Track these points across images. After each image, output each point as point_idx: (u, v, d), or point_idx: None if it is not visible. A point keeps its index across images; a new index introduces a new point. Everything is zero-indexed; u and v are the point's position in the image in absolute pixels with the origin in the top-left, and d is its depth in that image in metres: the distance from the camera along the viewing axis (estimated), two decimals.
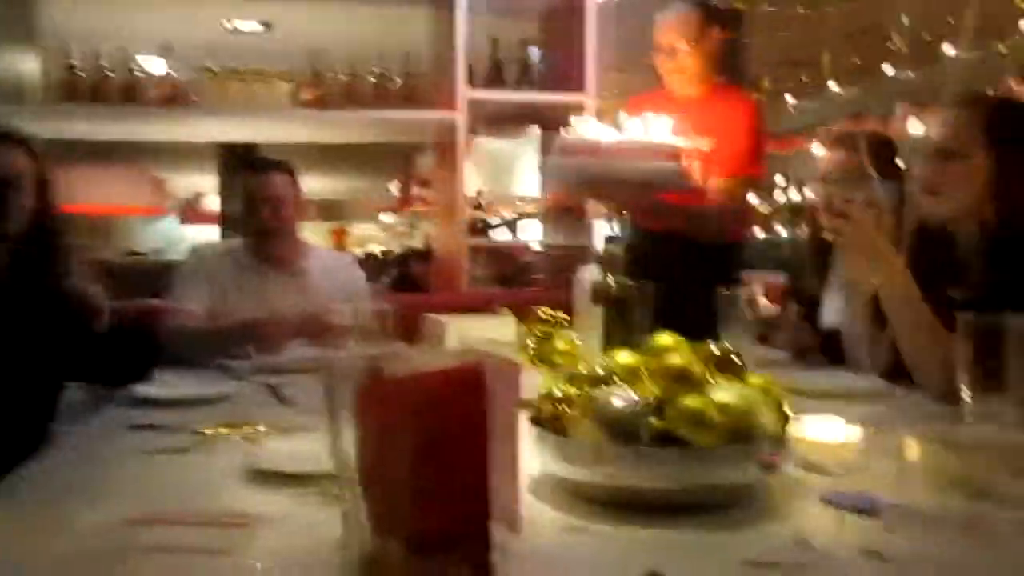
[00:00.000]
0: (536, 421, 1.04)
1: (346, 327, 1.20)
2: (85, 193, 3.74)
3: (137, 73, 3.09)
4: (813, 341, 2.04)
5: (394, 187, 10.55)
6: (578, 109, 3.06)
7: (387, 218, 12.93)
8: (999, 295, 1.33)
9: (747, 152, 2.54)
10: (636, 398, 0.98)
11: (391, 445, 0.72)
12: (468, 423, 0.73)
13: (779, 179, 11.00)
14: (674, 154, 2.09)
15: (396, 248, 11.30)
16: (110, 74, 3.03)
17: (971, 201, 1.53)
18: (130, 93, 3.06)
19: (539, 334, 1.56)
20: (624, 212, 2.32)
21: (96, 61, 3.01)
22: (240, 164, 4.16)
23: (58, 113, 3.08)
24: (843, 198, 1.54)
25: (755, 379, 1.05)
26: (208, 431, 1.42)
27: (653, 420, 0.96)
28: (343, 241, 10.61)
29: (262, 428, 1.42)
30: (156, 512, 1.02)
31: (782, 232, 11.21)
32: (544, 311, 1.60)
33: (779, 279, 3.52)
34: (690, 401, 0.94)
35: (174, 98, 3.12)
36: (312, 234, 2.53)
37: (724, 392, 0.98)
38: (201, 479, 1.20)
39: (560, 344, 1.51)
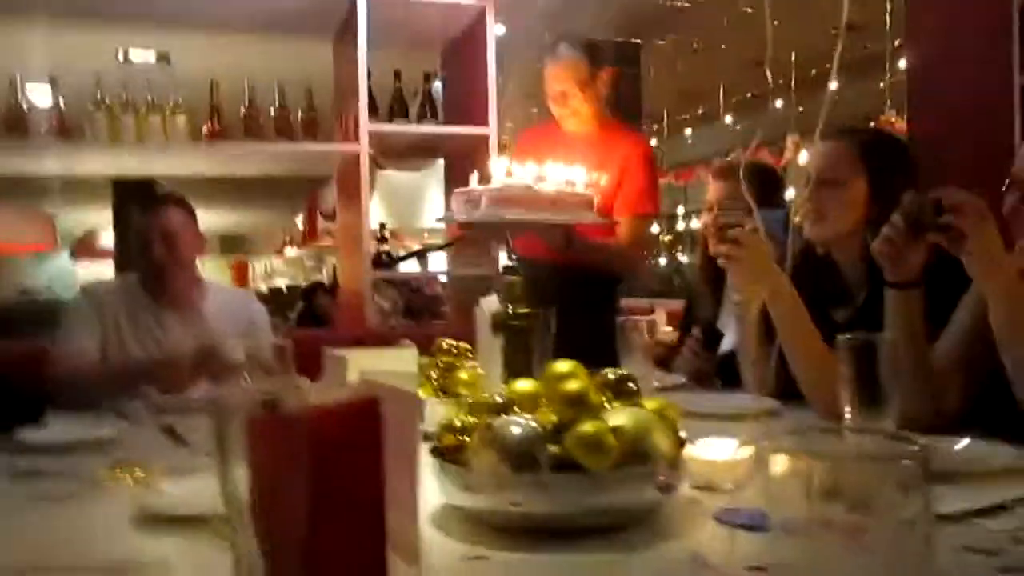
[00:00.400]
0: (437, 452, 1.04)
1: (242, 363, 1.18)
2: None
3: (24, 104, 2.97)
4: (709, 365, 2.11)
5: (299, 220, 10.40)
6: (482, 141, 3.10)
7: (292, 252, 12.72)
8: (876, 314, 1.41)
9: (642, 190, 2.64)
10: (534, 425, 0.99)
11: (284, 481, 0.71)
12: (363, 456, 0.72)
13: (680, 209, 11.34)
14: (583, 200, 2.13)
15: (302, 282, 11.12)
16: None
17: (849, 225, 1.62)
18: (17, 125, 2.94)
19: (442, 365, 1.57)
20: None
21: None
22: (135, 198, 4.04)
23: None
24: (728, 224, 1.60)
25: (651, 403, 1.08)
26: (98, 476, 1.37)
27: (551, 446, 0.97)
28: (245, 275, 10.37)
29: (154, 471, 1.37)
30: (42, 561, 0.98)
31: (683, 259, 11.54)
32: (447, 342, 1.61)
33: (679, 305, 3.62)
34: (586, 426, 0.96)
35: (65, 131, 3.01)
36: (213, 269, 2.47)
37: (619, 416, 1.00)
38: (90, 526, 1.15)
39: (463, 375, 1.52)
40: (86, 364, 2.25)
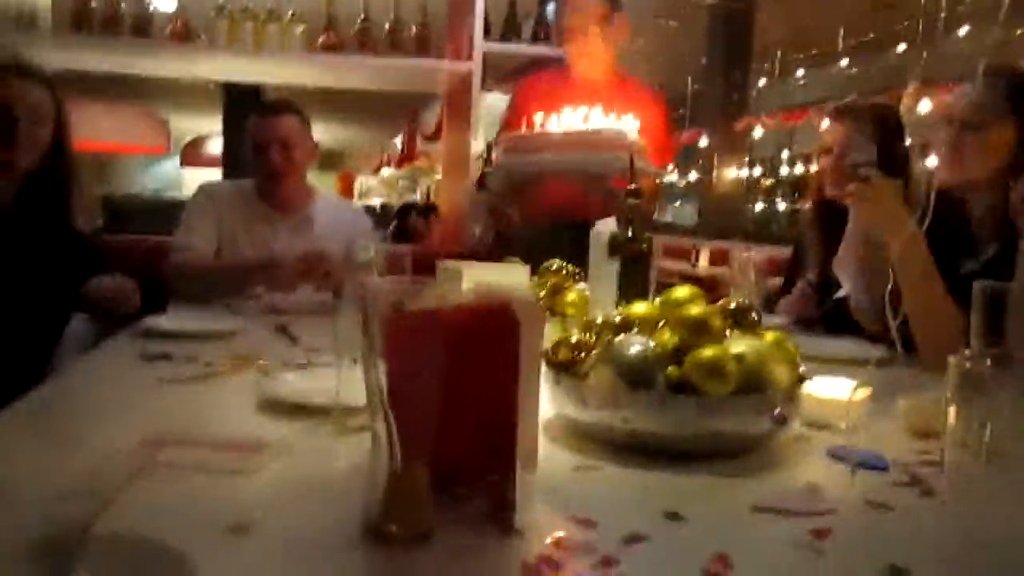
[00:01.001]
0: (551, 364, 1.05)
1: (361, 265, 1.21)
2: (89, 128, 3.70)
3: (149, 6, 3.05)
4: (817, 311, 2.06)
5: (398, 141, 10.49)
6: None
7: (388, 171, 12.88)
8: (1005, 270, 1.35)
9: (660, 145, 2.55)
10: (653, 345, 0.99)
11: (421, 375, 0.73)
12: (498, 358, 0.74)
13: (784, 153, 10.99)
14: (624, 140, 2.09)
15: (395, 202, 11.27)
16: (122, 6, 2.99)
17: (987, 172, 1.54)
18: (141, 27, 3.02)
19: (550, 285, 1.58)
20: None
21: None
22: (246, 106, 4.12)
23: (67, 44, 3.04)
24: (857, 163, 1.54)
25: (770, 335, 1.07)
26: (220, 364, 1.44)
27: (669, 368, 0.98)
28: (350, 189, 10.58)
29: (272, 362, 1.43)
30: (171, 433, 1.04)
31: (780, 205, 11.22)
32: (556, 263, 1.61)
33: (779, 251, 3.53)
34: (707, 351, 0.96)
35: (184, 35, 3.09)
36: (317, 182, 2.51)
37: (740, 344, 0.99)
38: (214, 408, 1.22)
39: (571, 296, 1.52)
40: (203, 259, 2.35)
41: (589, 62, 2.60)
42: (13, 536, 0.74)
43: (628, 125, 2.08)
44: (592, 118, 2.06)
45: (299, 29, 3.10)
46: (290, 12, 3.10)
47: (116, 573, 0.66)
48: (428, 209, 6.71)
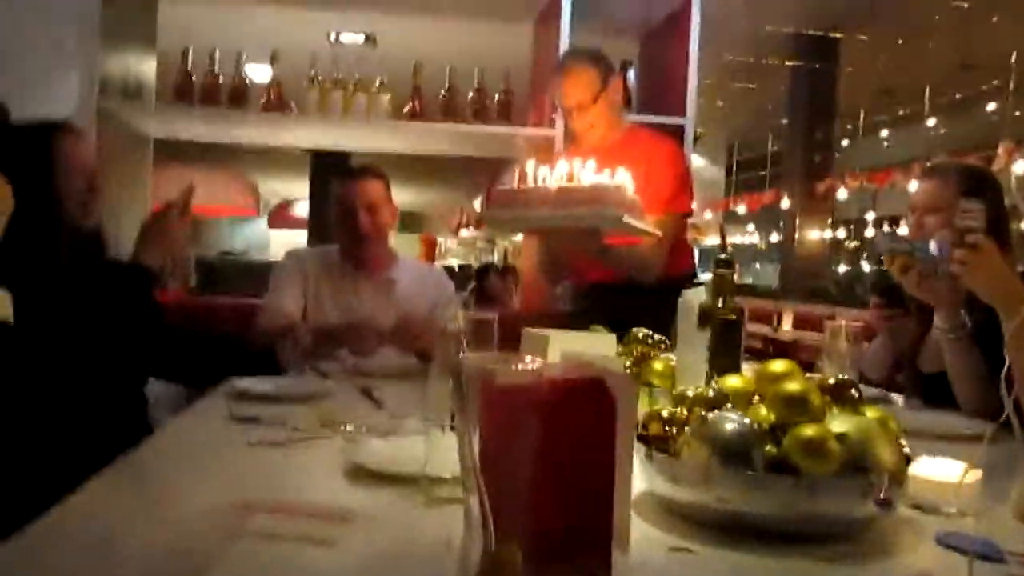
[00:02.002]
0: (643, 439, 1.03)
1: (448, 333, 1.21)
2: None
3: (245, 79, 3.19)
4: (914, 380, 1.98)
5: (477, 203, 10.65)
6: (676, 133, 3.05)
7: (466, 232, 13.06)
8: None
9: (670, 187, 2.48)
10: (750, 422, 0.96)
11: (516, 449, 0.72)
12: (594, 434, 0.73)
13: (869, 215, 10.75)
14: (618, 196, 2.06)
15: (473, 262, 11.40)
16: (220, 78, 3.14)
17: None
18: (237, 98, 3.16)
19: (636, 354, 1.55)
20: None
21: (208, 65, 3.13)
22: (333, 171, 4.25)
23: (169, 113, 3.20)
24: (968, 228, 1.47)
25: (872, 411, 1.02)
26: (307, 428, 1.45)
27: (767, 446, 0.94)
28: (433, 251, 10.74)
29: (358, 428, 1.44)
30: (261, 500, 1.05)
31: (865, 267, 10.94)
32: (642, 331, 1.59)
33: (866, 314, 3.42)
34: (808, 430, 0.92)
35: (277, 105, 3.21)
36: (400, 244, 2.57)
37: (842, 422, 0.95)
38: (301, 473, 1.23)
39: (657, 365, 1.50)
40: (290, 321, 2.40)
41: (592, 133, 2.54)
42: None
43: (621, 179, 2.06)
44: (582, 173, 2.04)
45: (386, 98, 3.20)
46: (378, 82, 3.20)
47: None
48: (506, 270, 6.77)
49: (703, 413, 1.01)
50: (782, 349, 6.25)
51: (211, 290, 4.23)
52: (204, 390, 1.90)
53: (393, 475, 1.12)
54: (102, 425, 1.69)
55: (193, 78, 3.12)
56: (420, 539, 0.95)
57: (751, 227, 13.94)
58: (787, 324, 6.95)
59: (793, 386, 0.98)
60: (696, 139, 3.19)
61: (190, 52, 3.13)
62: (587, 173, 2.04)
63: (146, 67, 3.38)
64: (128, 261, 1.89)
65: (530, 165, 2.08)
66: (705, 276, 2.99)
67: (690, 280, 2.61)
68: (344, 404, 1.70)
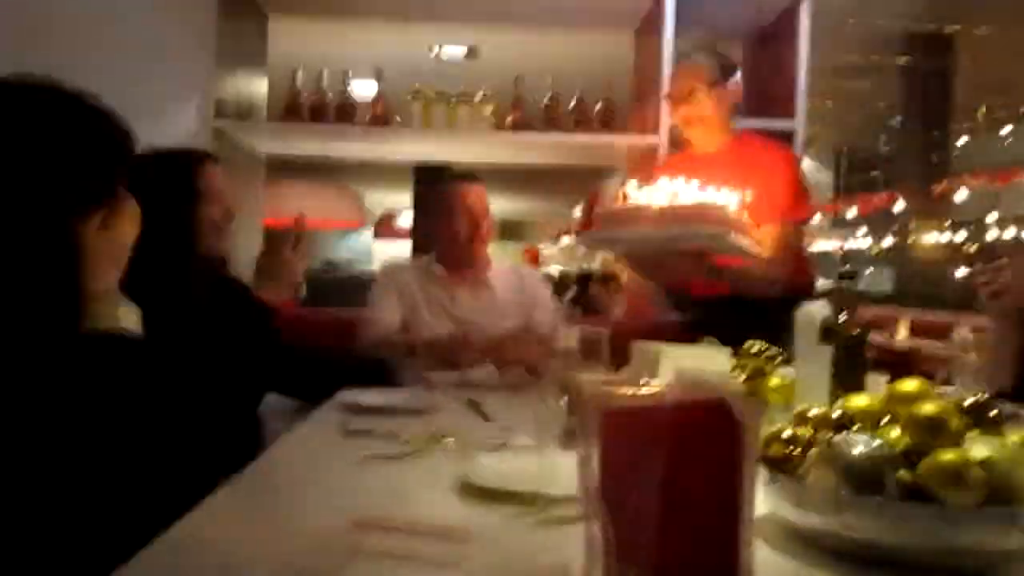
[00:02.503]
0: (764, 461, 0.99)
1: (561, 351, 1.20)
2: (294, 206, 4.00)
3: (351, 95, 3.27)
4: None
5: (577, 210, 10.63)
6: (786, 137, 2.96)
7: (567, 240, 13.04)
8: None
9: (788, 194, 2.39)
10: (881, 446, 0.91)
11: (636, 474, 0.70)
12: (720, 458, 0.70)
13: (991, 216, 10.20)
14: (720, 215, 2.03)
15: (573, 270, 11.37)
16: (327, 96, 3.23)
17: None
18: (344, 113, 3.24)
19: (750, 369, 1.51)
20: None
21: (316, 83, 3.22)
22: (435, 182, 4.30)
23: (280, 131, 3.31)
24: None
25: (1015, 435, 0.95)
26: (417, 442, 1.46)
27: (900, 471, 0.89)
28: (535, 261, 10.80)
29: (469, 443, 1.44)
30: (378, 518, 1.06)
31: None
32: (757, 345, 1.54)
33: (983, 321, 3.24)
34: (948, 455, 0.86)
35: (382, 119, 3.28)
36: (502, 254, 2.59)
37: (984, 447, 0.89)
38: (414, 489, 1.23)
39: (774, 381, 1.45)
40: (389, 333, 2.44)
41: (702, 132, 2.47)
42: None
43: (727, 199, 2.02)
44: (686, 191, 2.00)
45: (488, 109, 3.22)
46: (480, 94, 3.22)
47: None
48: (607, 278, 6.71)
49: (829, 435, 0.96)
50: (899, 359, 5.98)
51: (316, 302, 4.33)
52: (312, 402, 1.95)
53: (506, 493, 1.11)
54: (219, 440, 1.75)
55: (302, 96, 3.21)
56: (536, 561, 0.93)
57: (862, 231, 13.46)
58: (903, 332, 6.64)
59: (929, 408, 0.92)
60: (809, 143, 3.08)
61: (299, 72, 3.22)
62: (690, 191, 2.01)
63: (257, 87, 3.51)
64: (251, 293, 1.95)
65: (631, 185, 2.05)
66: (818, 283, 2.89)
67: (809, 291, 2.53)
68: (453, 418, 1.71)
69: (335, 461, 1.38)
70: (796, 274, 2.40)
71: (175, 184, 1.81)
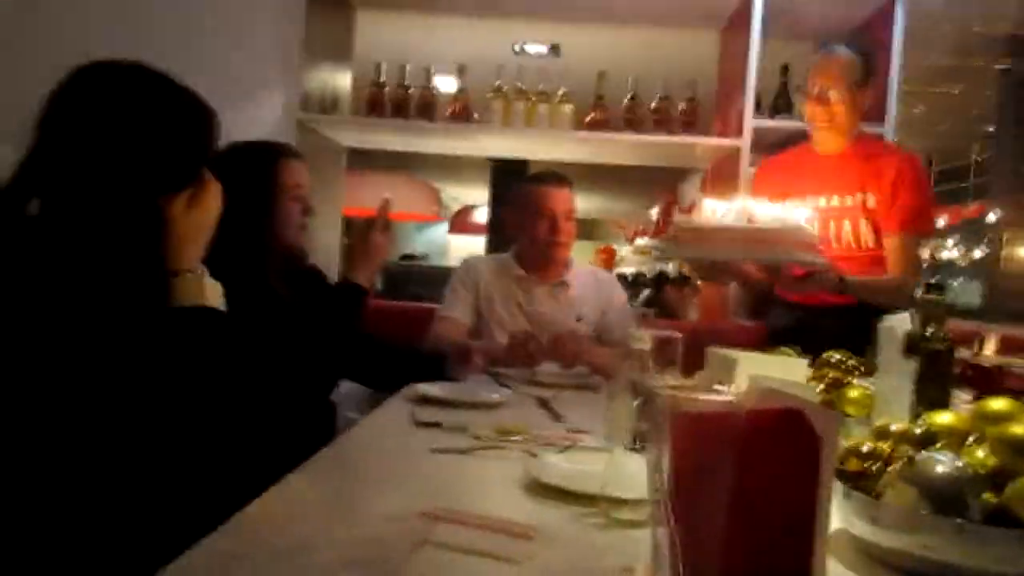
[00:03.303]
0: (841, 475, 0.96)
1: (634, 353, 1.19)
2: (374, 198, 4.06)
3: (433, 90, 3.30)
4: None
5: (654, 212, 10.52)
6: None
7: (642, 241, 12.90)
8: None
9: (918, 206, 2.30)
10: (965, 466, 0.87)
11: (708, 482, 0.69)
12: (796, 470, 0.68)
13: None
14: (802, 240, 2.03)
15: (647, 272, 11.24)
16: (410, 90, 3.26)
17: None
18: (425, 108, 3.27)
19: (828, 379, 1.47)
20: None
21: (399, 79, 3.26)
22: (512, 178, 4.31)
23: (363, 125, 3.36)
24: None
25: None
26: (486, 437, 1.47)
27: (985, 493, 0.86)
28: (611, 261, 10.72)
29: (537, 440, 1.44)
30: (446, 510, 1.07)
31: None
32: (836, 355, 1.51)
33: None
34: None
35: (462, 115, 3.30)
36: (575, 252, 2.58)
37: None
38: (482, 483, 1.24)
39: (852, 393, 1.41)
40: (459, 331, 2.47)
41: (830, 135, 2.37)
42: None
43: (802, 215, 2.03)
44: (762, 209, 2.00)
45: (569, 107, 3.21)
46: (560, 91, 3.22)
47: None
48: (683, 280, 6.62)
49: (910, 452, 0.93)
50: (985, 376, 5.75)
51: (391, 294, 4.39)
52: (382, 391, 1.98)
53: (573, 492, 1.11)
54: (294, 422, 1.79)
55: (385, 90, 3.26)
56: (601, 563, 0.93)
57: (950, 242, 12.96)
58: (991, 348, 6.40)
59: (1019, 429, 0.88)
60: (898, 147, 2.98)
61: (383, 66, 3.27)
62: (765, 208, 1.98)
63: (342, 81, 3.57)
64: (341, 280, 1.98)
65: (707, 203, 2.04)
66: None
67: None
68: (522, 414, 1.71)
69: (405, 451, 1.40)
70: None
71: (258, 177, 1.85)
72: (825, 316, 2.31)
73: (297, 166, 1.94)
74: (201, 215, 1.33)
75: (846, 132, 2.37)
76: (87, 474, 1.19)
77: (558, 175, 2.56)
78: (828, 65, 2.35)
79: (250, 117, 2.91)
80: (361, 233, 2.00)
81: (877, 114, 2.92)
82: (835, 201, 2.37)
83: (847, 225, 2.34)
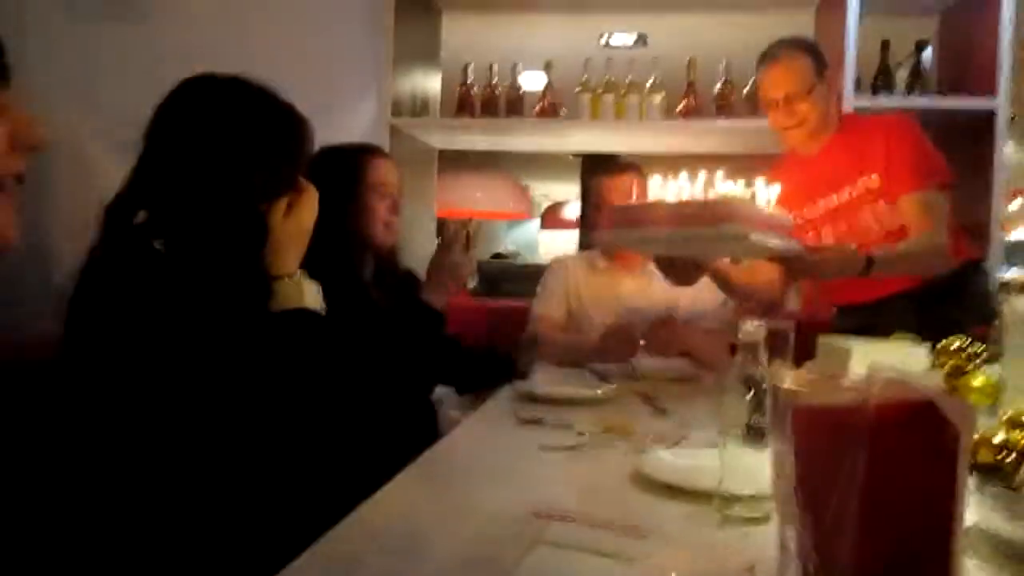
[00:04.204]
0: (973, 467, 0.91)
1: (746, 344, 1.15)
2: (466, 198, 4.08)
3: (520, 88, 3.30)
4: None
5: None
6: (982, 118, 2.73)
7: None
8: None
9: (915, 161, 2.11)
10: None
11: (835, 477, 0.66)
12: (929, 465, 0.65)
13: None
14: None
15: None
16: (497, 89, 3.27)
17: None
18: (513, 106, 3.27)
19: (950, 367, 1.40)
20: None
21: (487, 78, 3.27)
22: (601, 170, 4.27)
23: (452, 126, 3.39)
24: None
25: None
26: (592, 433, 1.46)
27: None
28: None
29: (646, 436, 1.42)
30: (558, 508, 1.06)
31: None
32: (957, 340, 1.43)
33: None
34: None
35: (550, 110, 3.29)
36: None
37: None
38: (590, 480, 1.23)
39: (976, 381, 1.34)
40: (553, 328, 2.49)
41: (802, 134, 2.21)
42: None
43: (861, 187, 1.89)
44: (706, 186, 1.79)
45: (658, 97, 3.16)
46: (650, 81, 3.17)
47: None
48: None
49: None
50: None
51: (486, 292, 4.42)
52: (469, 393, 1.99)
53: (686, 489, 1.09)
54: (396, 422, 1.81)
55: (473, 90, 3.28)
56: (718, 560, 0.91)
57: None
58: None
59: None
60: (1012, 120, 2.81)
61: (470, 66, 3.29)
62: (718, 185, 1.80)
63: (431, 83, 3.61)
64: (421, 299, 1.98)
65: (655, 180, 1.87)
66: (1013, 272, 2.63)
67: (976, 269, 2.29)
68: (626, 410, 1.69)
69: (510, 449, 1.40)
70: (955, 253, 2.14)
71: (345, 175, 1.89)
72: (889, 311, 2.17)
73: (383, 163, 1.97)
74: (299, 221, 1.37)
75: (822, 126, 2.21)
76: (200, 477, 1.23)
77: (620, 162, 2.55)
78: (777, 68, 2.21)
79: (345, 124, 2.96)
80: (446, 246, 2.00)
81: (987, 86, 2.77)
82: (836, 199, 2.22)
83: (865, 215, 2.18)
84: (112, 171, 1.36)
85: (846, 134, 2.24)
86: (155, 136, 1.33)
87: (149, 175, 1.32)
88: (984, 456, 0.93)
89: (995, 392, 1.31)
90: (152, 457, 1.21)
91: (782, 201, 2.10)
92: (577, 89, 3.23)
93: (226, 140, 1.32)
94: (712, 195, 1.77)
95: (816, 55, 2.23)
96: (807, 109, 2.18)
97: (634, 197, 2.41)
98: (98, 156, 2.15)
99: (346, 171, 1.90)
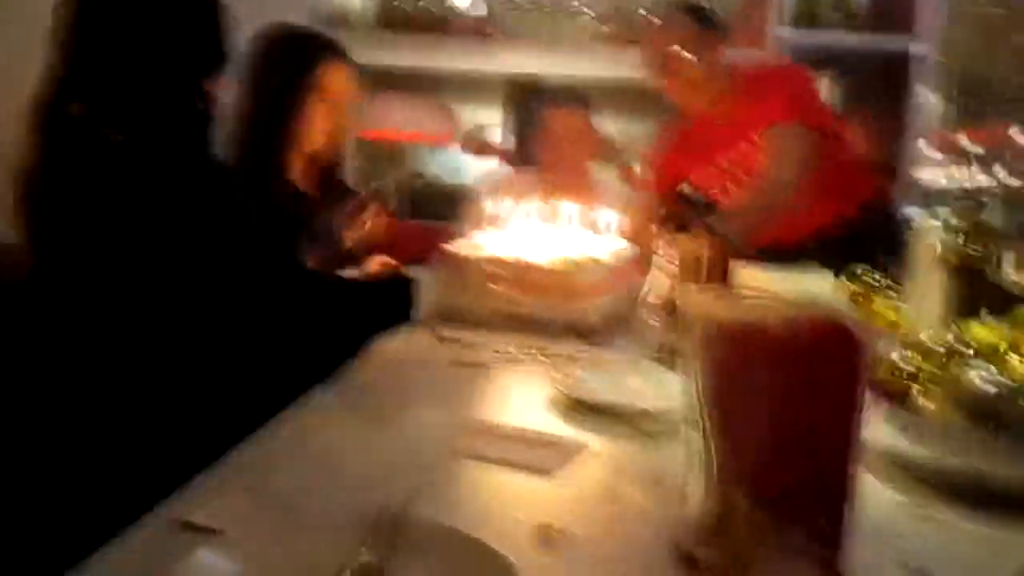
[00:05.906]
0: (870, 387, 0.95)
1: (660, 267, 1.17)
2: (389, 120, 3.98)
3: (450, 5, 3.21)
4: None
5: None
6: (902, 59, 2.77)
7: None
8: None
9: (785, 98, 2.03)
10: (1004, 379, 0.86)
11: (744, 393, 0.68)
12: (836, 381, 0.67)
13: None
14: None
15: None
16: (426, 6, 3.18)
17: None
18: (440, 25, 3.19)
19: (856, 296, 1.45)
20: None
21: None
22: (529, 97, 4.21)
23: (374, 41, 3.27)
24: None
25: None
26: (508, 351, 1.46)
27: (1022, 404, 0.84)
28: (633, 181, 10.62)
29: (565, 356, 1.43)
30: (475, 422, 1.07)
31: None
32: (862, 268, 1.48)
33: None
34: None
35: (478, 30, 3.22)
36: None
37: None
38: (507, 398, 1.24)
39: (881, 308, 1.39)
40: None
41: (687, 95, 2.12)
42: (336, 508, 0.79)
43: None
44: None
45: (587, 21, 3.12)
46: (578, 4, 3.12)
47: (432, 563, 0.68)
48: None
49: (943, 363, 0.92)
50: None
51: (408, 215, 4.36)
52: None
53: (603, 406, 1.10)
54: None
55: (395, 3, 3.18)
56: (635, 475, 0.92)
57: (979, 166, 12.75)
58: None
59: None
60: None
61: None
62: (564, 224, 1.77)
63: None
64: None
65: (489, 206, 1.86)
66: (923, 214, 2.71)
67: (882, 213, 2.27)
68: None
69: (429, 367, 1.39)
70: (855, 191, 2.12)
71: (295, 70, 1.79)
72: (807, 250, 1.99)
73: (343, 71, 1.87)
74: None
75: (712, 80, 2.10)
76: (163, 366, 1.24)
77: (565, 93, 2.50)
78: (658, 36, 2.14)
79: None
80: (358, 217, 1.93)
81: (907, 26, 2.80)
82: (744, 147, 2.11)
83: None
84: None
85: (740, 90, 2.13)
86: (79, 27, 1.29)
87: (81, 67, 1.28)
88: (888, 381, 0.96)
89: (895, 317, 1.36)
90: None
91: (680, 160, 2.14)
92: (509, 9, 3.17)
93: (154, 18, 1.29)
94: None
95: (699, 16, 2.14)
96: (691, 67, 2.07)
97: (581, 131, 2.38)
98: None
99: (298, 69, 1.79)
